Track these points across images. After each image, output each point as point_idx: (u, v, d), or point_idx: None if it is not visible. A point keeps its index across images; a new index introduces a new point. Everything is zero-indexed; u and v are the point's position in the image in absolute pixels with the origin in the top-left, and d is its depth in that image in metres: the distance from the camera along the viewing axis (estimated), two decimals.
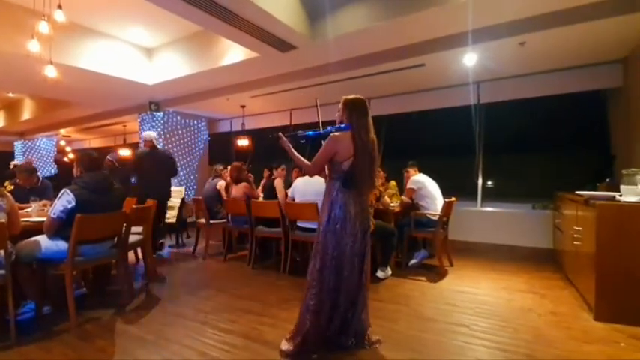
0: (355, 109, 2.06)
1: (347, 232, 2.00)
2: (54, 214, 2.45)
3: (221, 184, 4.76)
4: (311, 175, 2.20)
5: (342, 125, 2.06)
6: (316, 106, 2.37)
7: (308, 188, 3.54)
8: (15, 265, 2.32)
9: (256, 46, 4.00)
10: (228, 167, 4.95)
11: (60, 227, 2.48)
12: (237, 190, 4.29)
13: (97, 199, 2.58)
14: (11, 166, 6.48)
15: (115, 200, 2.81)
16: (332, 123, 2.19)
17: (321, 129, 2.19)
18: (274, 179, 4.18)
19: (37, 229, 2.59)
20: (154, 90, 5.83)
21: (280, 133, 2.22)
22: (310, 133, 2.20)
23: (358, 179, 2.02)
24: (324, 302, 2.02)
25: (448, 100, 5.37)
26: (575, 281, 3.21)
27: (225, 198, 4.61)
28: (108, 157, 6.73)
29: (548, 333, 2.34)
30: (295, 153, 2.20)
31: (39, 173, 4.15)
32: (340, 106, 2.12)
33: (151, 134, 4.72)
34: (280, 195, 3.99)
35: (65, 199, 2.45)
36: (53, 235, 2.50)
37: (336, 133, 2.02)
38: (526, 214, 4.87)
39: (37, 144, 10.36)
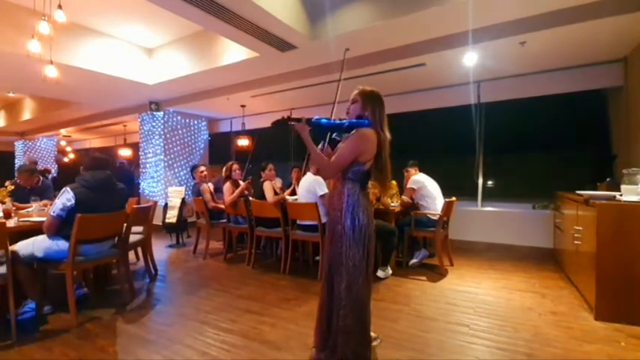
0: (377, 102, 1.84)
1: (372, 237, 1.81)
2: (54, 212, 2.46)
3: (204, 187, 4.68)
4: (327, 178, 1.91)
5: (366, 121, 1.80)
6: (333, 103, 2.20)
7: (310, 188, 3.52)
8: (15, 264, 2.32)
9: (256, 46, 3.99)
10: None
11: (60, 226, 2.48)
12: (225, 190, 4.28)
13: (97, 198, 2.57)
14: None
15: (118, 200, 2.81)
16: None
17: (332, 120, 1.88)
18: (263, 182, 4.02)
19: (37, 228, 2.59)
20: (154, 90, 5.83)
21: (304, 117, 1.83)
22: (324, 120, 1.83)
23: (376, 179, 1.87)
24: (359, 317, 1.78)
25: (448, 100, 5.37)
26: (575, 281, 3.21)
27: (209, 201, 4.57)
28: (118, 160, 6.86)
29: (548, 332, 2.34)
30: (314, 146, 1.81)
31: (50, 174, 4.18)
32: (357, 97, 1.86)
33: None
34: (269, 197, 3.84)
35: (65, 197, 2.46)
36: (54, 234, 2.50)
37: (365, 130, 1.76)
38: (526, 213, 4.87)
39: (38, 144, 10.36)
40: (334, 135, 1.90)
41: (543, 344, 2.18)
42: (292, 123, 1.81)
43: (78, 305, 2.56)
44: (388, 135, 1.86)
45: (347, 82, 4.92)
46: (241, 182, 4.37)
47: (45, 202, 3.50)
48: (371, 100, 1.84)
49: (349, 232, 1.76)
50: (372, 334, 2.19)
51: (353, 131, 1.80)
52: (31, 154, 10.22)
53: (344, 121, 1.85)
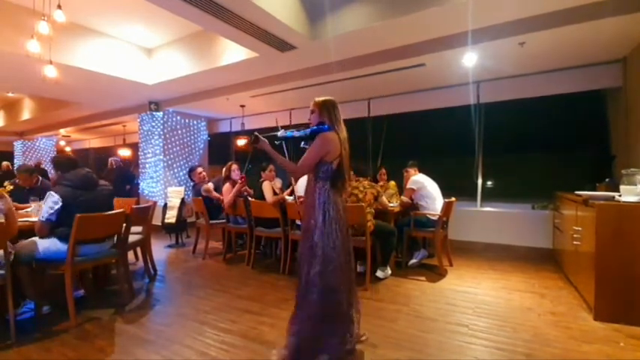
0: (331, 107, 2.07)
1: (342, 231, 1.99)
2: (43, 217, 2.47)
3: (207, 187, 4.67)
4: (297, 178, 2.14)
5: (325, 126, 2.03)
6: (276, 125, 2.36)
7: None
8: (14, 265, 2.32)
9: (256, 46, 3.99)
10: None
11: (52, 228, 2.50)
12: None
13: (82, 196, 2.58)
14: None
15: (103, 197, 2.78)
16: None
17: (292, 133, 2.12)
18: (262, 181, 4.00)
19: None
20: (153, 90, 5.83)
21: (257, 133, 2.10)
22: (289, 133, 2.12)
23: (343, 177, 2.07)
24: (330, 304, 1.91)
25: (448, 100, 5.37)
26: (574, 281, 3.21)
27: (218, 197, 4.57)
28: (111, 159, 6.83)
29: (547, 332, 2.34)
30: (278, 154, 2.10)
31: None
32: (314, 108, 2.11)
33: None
34: (268, 197, 3.83)
35: (51, 201, 2.47)
36: (46, 236, 2.52)
37: (326, 133, 1.99)
38: (526, 214, 4.87)
39: (37, 144, 10.35)
40: (302, 144, 2.12)
41: (542, 344, 2.18)
42: (257, 138, 2.08)
43: (77, 306, 2.55)
44: (345, 134, 2.07)
45: (347, 82, 4.97)
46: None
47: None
48: (325, 107, 2.07)
49: (320, 225, 1.95)
50: (360, 331, 2.18)
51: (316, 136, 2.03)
52: (30, 154, 10.22)
53: (307, 130, 2.08)
